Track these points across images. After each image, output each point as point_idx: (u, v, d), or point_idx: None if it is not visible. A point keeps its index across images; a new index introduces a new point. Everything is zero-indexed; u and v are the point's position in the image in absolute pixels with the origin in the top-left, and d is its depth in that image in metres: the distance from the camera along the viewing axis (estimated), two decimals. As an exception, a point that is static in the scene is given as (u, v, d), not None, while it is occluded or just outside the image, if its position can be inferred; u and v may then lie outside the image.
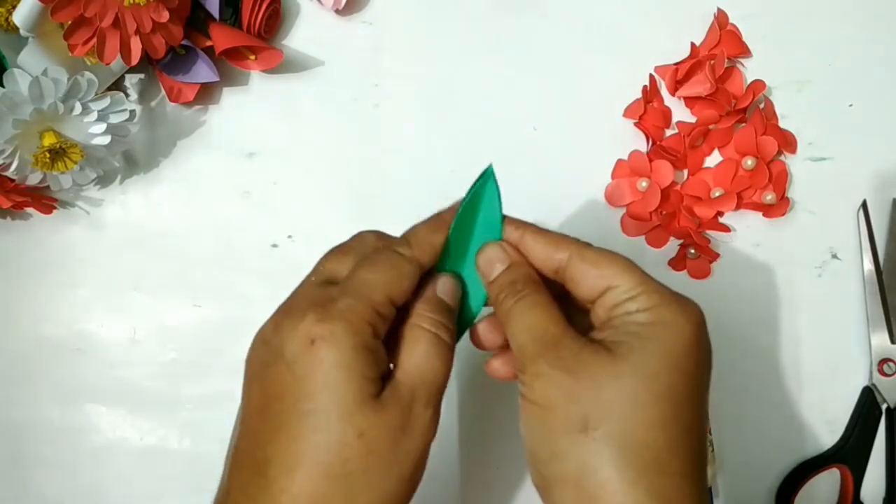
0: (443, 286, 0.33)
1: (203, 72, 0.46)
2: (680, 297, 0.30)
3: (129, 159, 0.48)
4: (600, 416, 0.27)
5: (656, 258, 0.47)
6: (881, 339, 0.45)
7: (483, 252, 0.33)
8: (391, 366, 0.30)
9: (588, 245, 0.32)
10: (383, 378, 0.29)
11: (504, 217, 0.34)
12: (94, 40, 0.41)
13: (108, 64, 0.42)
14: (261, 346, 0.30)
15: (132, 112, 0.44)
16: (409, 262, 0.31)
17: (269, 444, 0.28)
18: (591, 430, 0.27)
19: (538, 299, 0.31)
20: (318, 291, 0.30)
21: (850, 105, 0.47)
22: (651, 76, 0.47)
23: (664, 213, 0.46)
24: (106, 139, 0.43)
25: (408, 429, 0.29)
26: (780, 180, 0.46)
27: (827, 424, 0.45)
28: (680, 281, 0.46)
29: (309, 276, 0.32)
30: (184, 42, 0.45)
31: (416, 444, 0.29)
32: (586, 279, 0.31)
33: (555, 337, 0.29)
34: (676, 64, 0.47)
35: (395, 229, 0.34)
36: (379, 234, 0.34)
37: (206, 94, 0.48)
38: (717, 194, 0.46)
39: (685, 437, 0.28)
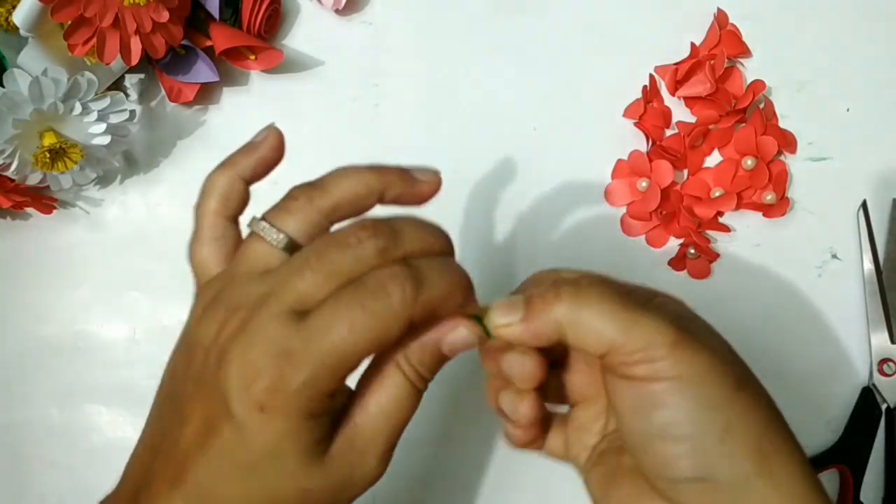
0: (456, 338, 0.27)
1: (203, 72, 0.46)
2: (687, 342, 0.26)
3: (129, 159, 0.48)
4: (746, 375, 0.28)
5: (656, 258, 0.47)
6: (881, 339, 0.45)
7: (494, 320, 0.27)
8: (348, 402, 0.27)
9: (582, 295, 0.26)
10: (335, 420, 0.26)
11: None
12: (94, 40, 0.41)
13: (108, 64, 0.42)
14: (201, 359, 0.26)
15: (132, 112, 0.44)
16: (406, 307, 0.24)
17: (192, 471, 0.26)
18: (743, 388, 0.27)
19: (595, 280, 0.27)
20: (278, 331, 0.24)
21: (850, 105, 0.47)
22: (651, 76, 0.47)
23: (664, 213, 0.46)
24: (106, 139, 0.43)
25: (354, 480, 0.27)
26: (780, 180, 0.46)
27: (827, 424, 0.45)
28: (680, 281, 0.46)
29: (271, 299, 0.25)
30: (184, 42, 0.45)
31: (362, 486, 0.27)
32: (587, 346, 0.27)
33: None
34: (676, 64, 0.47)
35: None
36: (374, 228, 0.26)
37: (206, 94, 0.48)
38: (717, 194, 0.46)
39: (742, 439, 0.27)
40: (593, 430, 0.31)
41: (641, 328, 0.25)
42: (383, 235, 0.26)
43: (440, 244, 0.27)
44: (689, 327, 0.26)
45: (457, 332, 0.27)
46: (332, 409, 0.26)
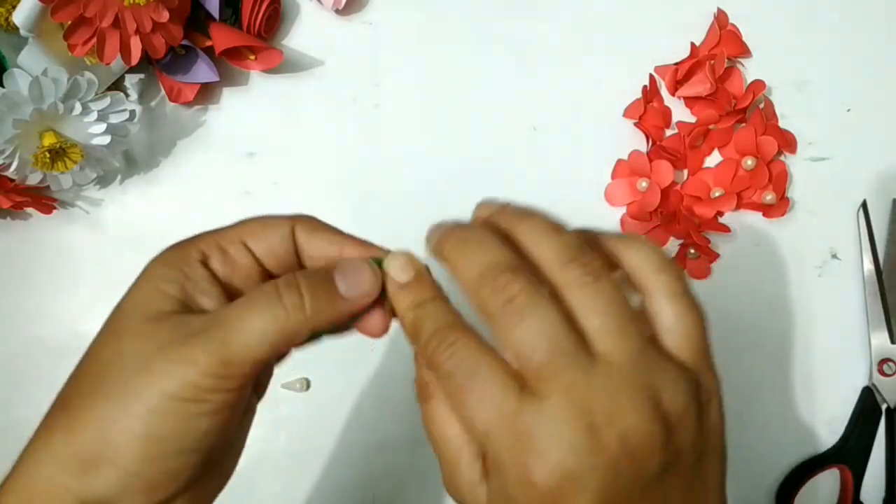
0: (348, 266, 0.26)
1: (203, 72, 0.46)
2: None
3: (129, 159, 0.48)
4: None
5: (656, 258, 0.47)
6: (881, 339, 0.45)
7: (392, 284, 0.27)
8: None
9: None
10: (194, 307, 0.26)
11: None
12: (94, 40, 0.41)
13: (108, 64, 0.42)
14: None
15: (132, 112, 0.44)
16: (284, 220, 0.28)
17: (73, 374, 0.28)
18: None
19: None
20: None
21: (850, 105, 0.47)
22: (651, 76, 0.47)
23: (664, 213, 0.46)
24: (106, 139, 0.43)
25: (170, 356, 0.24)
26: (780, 180, 0.46)
27: (827, 424, 0.45)
28: (680, 281, 0.46)
29: None
30: (184, 42, 0.45)
31: (174, 376, 0.24)
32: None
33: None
34: (676, 64, 0.47)
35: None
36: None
37: (206, 94, 0.48)
38: (717, 194, 0.46)
39: None
40: None
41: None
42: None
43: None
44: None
45: (352, 266, 0.26)
46: (197, 270, 0.27)
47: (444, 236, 0.26)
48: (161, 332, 0.25)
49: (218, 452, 0.26)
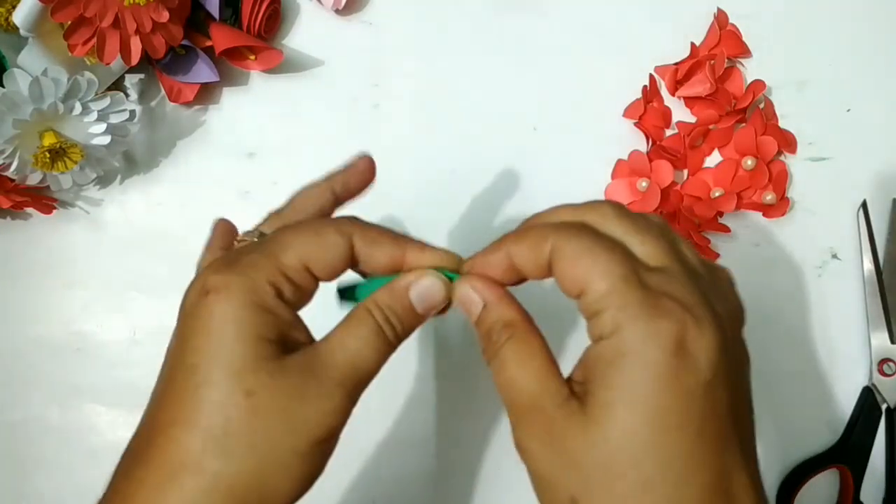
0: (422, 287, 0.28)
1: (203, 72, 0.46)
2: (651, 306, 0.24)
3: (129, 159, 0.48)
4: (584, 494, 0.24)
5: (656, 258, 0.47)
6: (881, 339, 0.45)
7: (457, 295, 0.29)
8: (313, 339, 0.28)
9: (575, 231, 0.26)
10: (291, 344, 0.27)
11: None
12: (94, 40, 0.41)
13: (108, 64, 0.42)
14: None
15: (132, 112, 0.44)
16: (340, 234, 0.28)
17: (154, 402, 0.27)
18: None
19: (514, 349, 0.26)
20: (238, 247, 0.29)
21: (850, 105, 0.47)
22: (651, 76, 0.47)
23: (664, 213, 0.46)
24: (106, 139, 0.43)
25: (308, 399, 0.26)
26: (779, 180, 0.46)
27: (827, 424, 0.45)
28: (680, 281, 0.46)
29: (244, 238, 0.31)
30: (184, 42, 0.45)
31: (315, 418, 0.26)
32: (563, 279, 0.26)
33: (532, 399, 0.25)
34: (676, 64, 0.47)
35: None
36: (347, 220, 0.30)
37: (206, 94, 0.48)
38: (717, 194, 0.46)
39: (685, 489, 0.23)
40: None
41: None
42: None
43: None
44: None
45: (425, 284, 0.28)
46: (279, 312, 0.27)
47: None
48: (291, 382, 0.26)
49: None
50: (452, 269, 0.29)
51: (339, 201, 0.33)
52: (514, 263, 0.28)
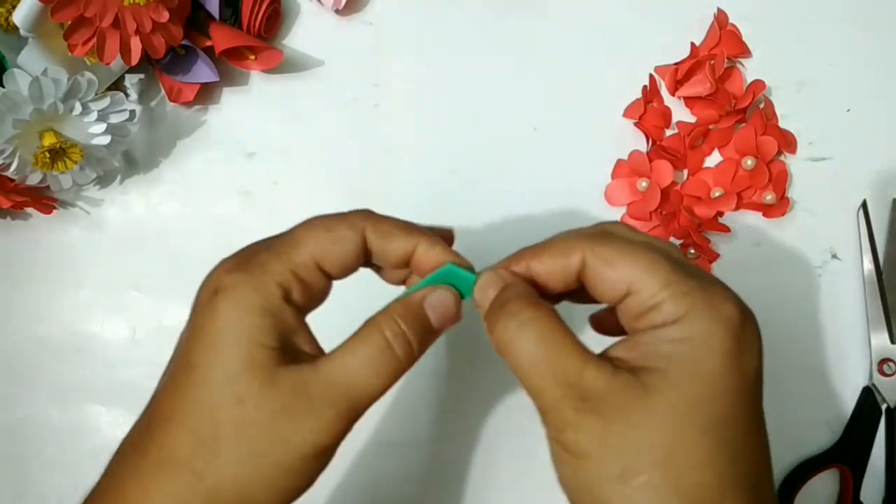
0: (436, 300, 0.28)
1: (203, 72, 0.46)
2: (712, 294, 0.25)
3: (129, 159, 0.48)
4: (639, 463, 0.24)
5: (656, 258, 0.47)
6: (881, 339, 0.45)
7: (477, 283, 0.28)
8: (320, 350, 0.28)
9: (604, 237, 0.27)
10: (292, 352, 0.26)
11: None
12: (94, 40, 0.41)
13: (108, 64, 0.42)
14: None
15: (132, 112, 0.44)
16: (352, 228, 0.27)
17: (158, 393, 0.27)
18: (631, 478, 0.24)
19: (543, 323, 0.25)
20: (253, 244, 0.28)
21: (850, 105, 0.47)
22: (651, 76, 0.47)
23: (664, 213, 0.46)
24: (106, 139, 0.43)
25: (295, 416, 0.25)
26: (779, 180, 0.46)
27: (827, 424, 0.45)
28: (680, 281, 0.46)
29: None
30: (184, 42, 0.45)
31: (302, 436, 0.25)
32: (603, 283, 0.26)
33: (575, 372, 0.25)
34: (676, 64, 0.47)
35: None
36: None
37: (206, 94, 0.48)
38: (717, 194, 0.46)
39: (738, 467, 0.24)
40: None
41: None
42: None
43: None
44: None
45: (438, 296, 0.28)
46: (284, 316, 0.26)
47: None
48: (281, 396, 0.25)
49: None
50: (464, 266, 0.29)
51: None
52: (533, 276, 0.27)
